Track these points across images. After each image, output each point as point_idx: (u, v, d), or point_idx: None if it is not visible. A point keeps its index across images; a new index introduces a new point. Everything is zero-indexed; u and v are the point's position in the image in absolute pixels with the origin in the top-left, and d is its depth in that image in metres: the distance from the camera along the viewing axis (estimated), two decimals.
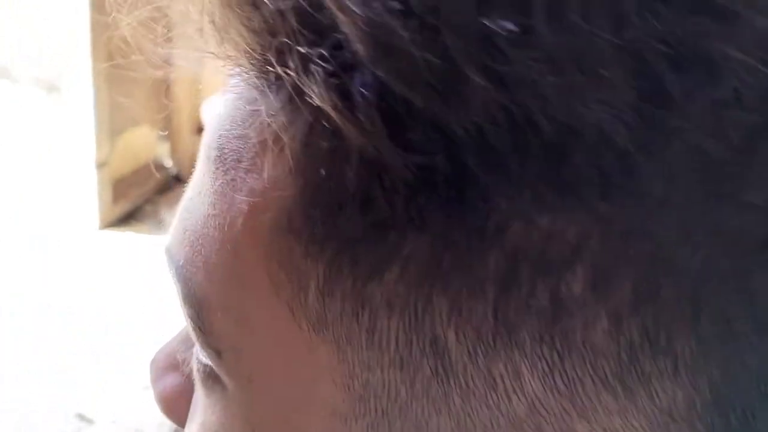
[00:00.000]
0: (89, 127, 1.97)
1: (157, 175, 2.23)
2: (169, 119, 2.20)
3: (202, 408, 0.25)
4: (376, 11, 0.17)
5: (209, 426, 0.24)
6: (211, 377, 0.24)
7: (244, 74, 0.21)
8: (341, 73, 0.18)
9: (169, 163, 2.24)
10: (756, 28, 0.17)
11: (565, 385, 0.19)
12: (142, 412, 1.55)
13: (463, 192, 0.18)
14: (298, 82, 0.18)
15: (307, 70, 0.18)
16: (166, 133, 2.24)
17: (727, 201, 0.17)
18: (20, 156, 2.29)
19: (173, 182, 2.21)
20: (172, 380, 0.29)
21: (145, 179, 2.17)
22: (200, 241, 0.22)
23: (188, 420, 0.27)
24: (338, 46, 0.18)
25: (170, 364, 0.29)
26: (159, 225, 2.09)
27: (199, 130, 2.18)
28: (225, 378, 0.23)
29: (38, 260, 1.95)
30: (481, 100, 0.17)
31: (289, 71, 0.19)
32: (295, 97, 0.19)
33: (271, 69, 0.19)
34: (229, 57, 0.20)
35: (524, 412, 0.20)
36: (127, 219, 2.11)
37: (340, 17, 0.18)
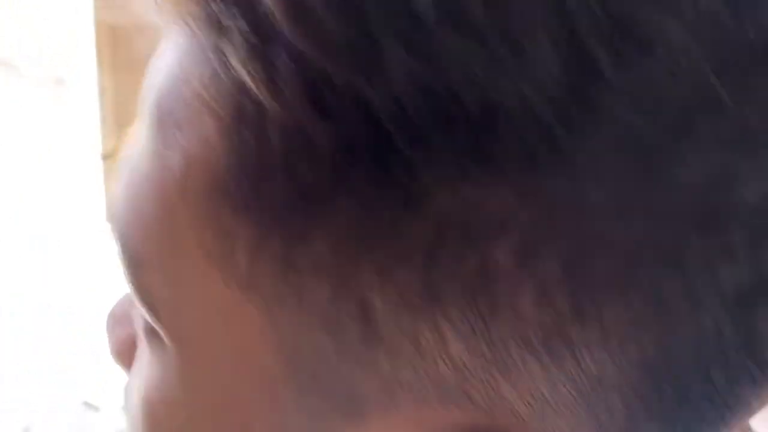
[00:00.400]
0: (95, 119, 1.98)
1: None
2: None
3: (143, 362, 0.25)
4: None
5: (149, 380, 0.25)
6: (151, 333, 0.24)
7: (181, 37, 0.21)
8: (263, 44, 0.18)
9: None
10: (691, 5, 0.17)
11: (491, 351, 0.19)
12: None
13: (386, 162, 0.18)
14: (224, 52, 0.19)
15: (231, 40, 0.18)
16: None
17: (660, 180, 0.17)
18: (26, 149, 2.30)
19: None
20: (123, 332, 0.29)
21: None
22: (137, 200, 0.22)
23: (132, 372, 0.27)
24: (261, 18, 0.18)
25: (123, 317, 0.29)
26: None
27: None
28: (163, 335, 0.23)
29: (43, 252, 1.96)
30: (401, 73, 0.17)
31: (215, 40, 0.19)
32: (222, 65, 0.19)
33: (200, 36, 0.20)
34: (167, 18, 0.21)
35: (450, 376, 0.20)
36: None
37: None
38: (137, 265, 0.23)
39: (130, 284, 0.23)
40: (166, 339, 0.23)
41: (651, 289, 0.18)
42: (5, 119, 2.42)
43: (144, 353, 0.25)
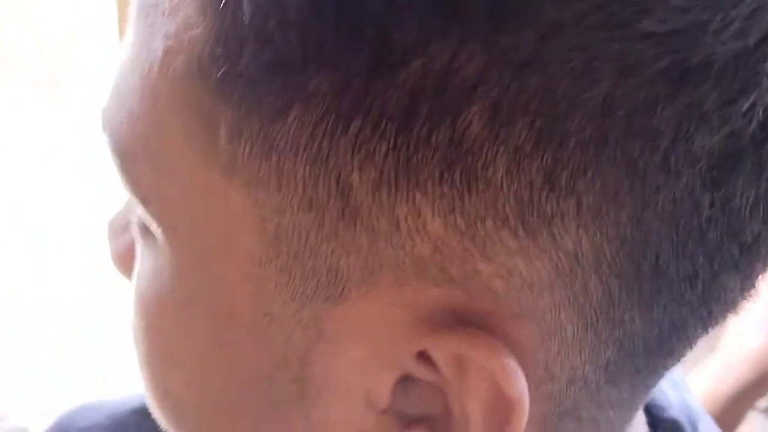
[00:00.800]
0: (93, 124, 1.98)
1: None
2: None
3: (139, 258, 0.26)
4: None
5: (144, 274, 0.25)
6: (145, 231, 0.25)
7: None
8: None
9: None
10: None
11: (467, 225, 0.19)
12: None
13: (357, 25, 0.18)
14: None
15: None
16: None
17: (625, 30, 0.17)
18: (24, 154, 2.30)
19: None
20: (122, 240, 0.30)
21: None
22: (125, 92, 0.22)
23: (132, 277, 0.28)
24: None
25: (121, 226, 0.30)
26: None
27: None
28: (152, 226, 0.24)
29: (43, 252, 1.96)
30: None
31: None
32: None
33: None
34: None
35: (428, 252, 0.20)
36: None
37: None
38: (127, 158, 0.23)
39: (122, 178, 0.24)
40: (156, 231, 0.23)
41: (624, 157, 0.18)
42: (5, 119, 2.42)
43: (138, 250, 0.26)
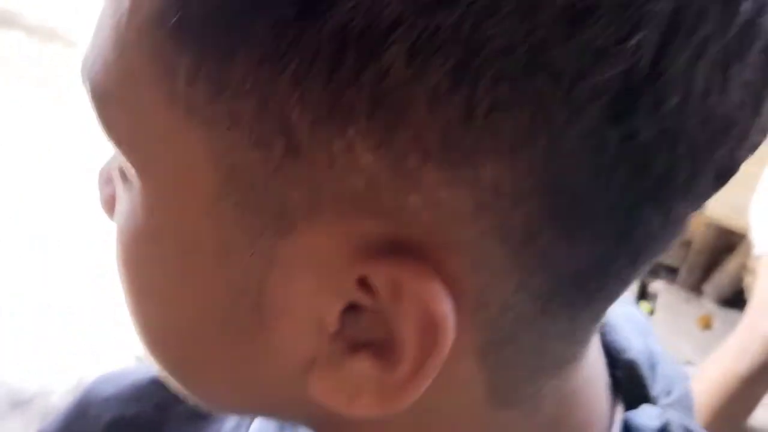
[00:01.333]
0: (91, 125, 1.98)
1: None
2: None
3: (118, 201, 0.28)
4: None
5: (122, 212, 0.27)
6: (122, 171, 0.27)
7: None
8: None
9: None
10: None
11: (395, 159, 0.20)
12: None
13: None
14: None
15: None
16: None
17: None
18: (23, 154, 2.30)
19: None
20: (108, 188, 0.32)
21: None
22: (100, 42, 0.24)
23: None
24: None
25: (108, 175, 0.32)
26: None
27: None
28: (127, 168, 0.25)
29: (41, 258, 1.95)
30: None
31: None
32: None
33: None
34: None
35: (362, 185, 0.21)
36: None
37: None
38: (102, 101, 0.25)
39: (99, 123, 0.25)
40: (130, 171, 0.25)
41: (532, 94, 0.19)
42: (6, 119, 2.42)
43: (119, 196, 0.28)
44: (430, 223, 0.21)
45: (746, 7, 0.20)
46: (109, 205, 0.31)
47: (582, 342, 0.27)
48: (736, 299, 1.97)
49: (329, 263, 0.23)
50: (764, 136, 0.23)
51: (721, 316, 2.12)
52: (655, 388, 0.34)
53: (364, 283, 0.23)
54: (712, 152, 0.22)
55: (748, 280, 1.48)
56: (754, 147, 0.23)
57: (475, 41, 0.19)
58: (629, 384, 0.34)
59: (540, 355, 0.26)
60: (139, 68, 0.23)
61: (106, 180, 0.33)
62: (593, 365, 0.31)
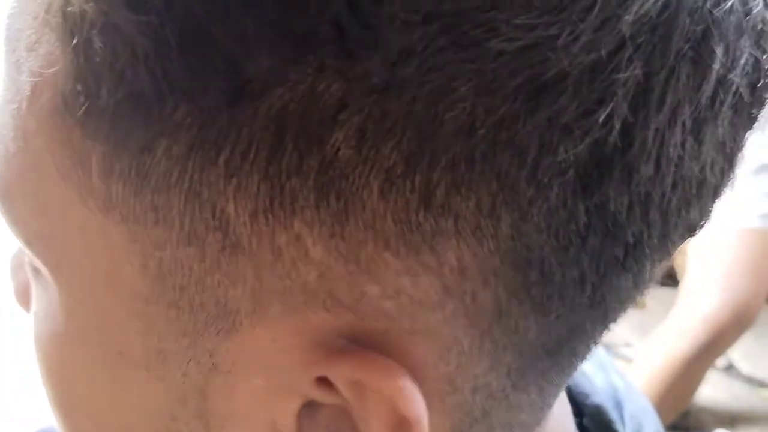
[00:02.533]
0: None
1: None
2: None
3: (34, 298, 0.26)
4: None
5: (38, 314, 0.25)
6: (35, 271, 0.25)
7: None
8: None
9: None
10: None
11: (348, 249, 0.19)
12: None
13: (208, 60, 0.18)
14: None
15: None
16: None
17: (476, 49, 0.17)
18: None
19: None
20: (22, 277, 0.29)
21: None
22: (3, 136, 0.22)
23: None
24: None
25: (18, 264, 0.30)
26: None
27: None
28: (40, 267, 0.23)
29: None
30: None
31: None
32: None
33: None
34: None
35: (313, 278, 0.19)
36: None
37: None
38: (6, 198, 0.23)
39: (5, 219, 0.23)
40: (43, 270, 0.23)
41: (494, 172, 0.18)
42: None
43: (33, 290, 0.26)
44: (392, 313, 0.20)
45: (717, 65, 0.19)
46: (24, 298, 0.29)
47: (550, 405, 0.26)
48: (666, 278, 1.95)
49: (280, 363, 0.21)
50: (732, 187, 0.22)
51: (654, 295, 2.22)
52: None
53: (323, 381, 0.21)
54: (686, 213, 0.21)
55: (678, 260, 1.50)
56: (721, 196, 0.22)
57: (429, 123, 0.18)
58: None
59: (509, 428, 0.24)
60: (45, 159, 0.21)
61: (18, 267, 0.30)
62: (559, 419, 0.29)
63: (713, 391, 1.73)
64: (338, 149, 0.18)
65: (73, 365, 0.24)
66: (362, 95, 0.18)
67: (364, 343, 0.20)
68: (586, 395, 0.33)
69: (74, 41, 0.19)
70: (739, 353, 1.81)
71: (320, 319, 0.20)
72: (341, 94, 0.18)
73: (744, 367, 1.90)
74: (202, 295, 0.21)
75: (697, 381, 1.51)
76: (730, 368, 1.89)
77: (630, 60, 0.18)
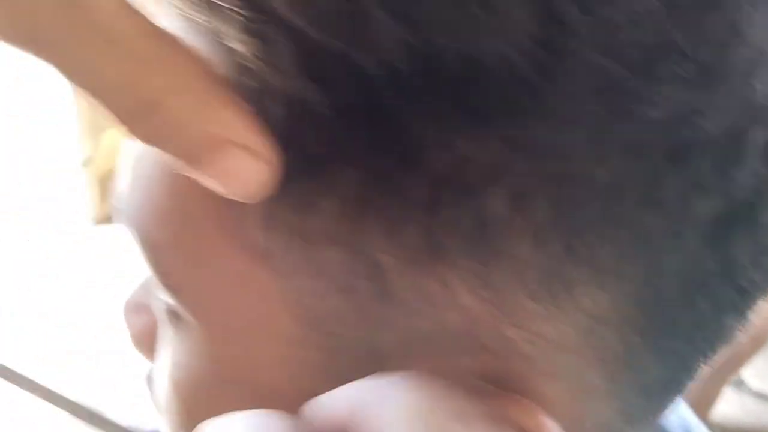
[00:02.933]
0: (72, 125, 1.97)
1: None
2: None
3: (168, 343, 0.26)
4: None
5: (176, 362, 0.25)
6: (173, 314, 0.25)
7: (173, 20, 0.21)
8: (259, 21, 0.19)
9: None
10: None
11: (495, 296, 0.20)
12: (143, 402, 1.59)
13: (383, 125, 0.19)
14: (220, 32, 0.20)
15: (226, 20, 0.19)
16: None
17: (629, 117, 0.18)
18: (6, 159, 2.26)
19: None
20: (140, 321, 0.30)
21: None
22: (149, 187, 0.23)
23: (156, 358, 0.28)
24: None
25: (139, 305, 0.30)
26: None
27: None
28: (185, 315, 0.24)
29: (35, 261, 1.94)
30: (388, 38, 0.18)
31: (209, 21, 0.20)
32: (219, 45, 0.20)
33: (194, 17, 0.20)
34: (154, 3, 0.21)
35: (459, 324, 0.20)
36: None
37: None
38: (156, 250, 0.23)
39: (151, 269, 0.24)
40: (189, 318, 0.24)
41: (634, 226, 0.19)
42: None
43: (167, 337, 0.26)
44: (531, 356, 0.21)
45: None
46: (146, 341, 0.29)
47: None
48: None
49: None
50: None
51: None
52: None
53: None
54: None
55: None
56: None
57: (583, 180, 0.19)
58: None
59: None
60: (203, 213, 0.22)
61: (136, 310, 0.30)
62: None
63: (724, 406, 1.74)
64: (493, 209, 0.19)
65: (217, 407, 0.23)
66: (525, 159, 0.19)
67: (502, 385, 0.21)
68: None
69: (272, 113, 0.19)
70: (749, 370, 1.82)
71: (463, 363, 0.21)
72: (501, 158, 0.19)
73: (754, 383, 1.92)
74: (352, 342, 0.21)
75: (714, 398, 1.53)
76: (740, 384, 1.91)
77: (764, 123, 0.19)
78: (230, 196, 0.19)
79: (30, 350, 1.72)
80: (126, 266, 1.92)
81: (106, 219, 2.09)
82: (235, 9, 0.19)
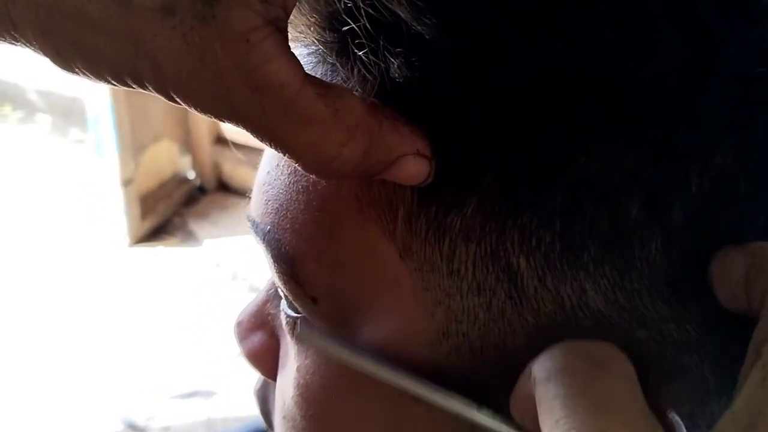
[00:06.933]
0: (111, 146, 1.99)
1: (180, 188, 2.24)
2: (188, 131, 2.21)
3: (293, 355, 0.27)
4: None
5: (304, 369, 0.26)
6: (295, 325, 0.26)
7: (316, 53, 0.24)
8: (414, 54, 0.21)
9: (191, 174, 2.26)
10: None
11: (626, 299, 0.21)
12: (182, 419, 1.57)
13: (521, 136, 0.20)
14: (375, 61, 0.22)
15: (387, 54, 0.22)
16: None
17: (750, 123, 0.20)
18: (45, 180, 2.31)
19: (197, 193, 2.22)
20: (258, 338, 0.31)
21: (171, 193, 2.19)
22: (285, 206, 0.25)
23: (280, 369, 0.29)
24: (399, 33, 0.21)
25: (255, 324, 0.32)
26: (189, 236, 2.10)
27: (218, 139, 2.19)
28: (319, 323, 0.25)
29: (74, 281, 1.95)
30: (553, 60, 0.20)
31: (365, 56, 0.22)
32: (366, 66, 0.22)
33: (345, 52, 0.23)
34: (301, 37, 0.24)
35: (589, 325, 0.21)
36: (157, 234, 2.12)
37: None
38: (295, 263, 0.25)
39: (288, 282, 0.25)
40: (321, 326, 0.25)
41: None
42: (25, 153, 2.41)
43: (290, 351, 0.27)
44: (655, 355, 0.22)
45: None
46: (263, 359, 0.30)
47: None
48: None
49: None
50: None
51: None
52: None
53: None
54: None
55: None
56: None
57: (720, 183, 0.20)
58: None
59: None
60: (343, 222, 0.23)
61: (251, 329, 0.32)
62: None
63: None
64: (628, 213, 0.20)
65: (348, 409, 0.26)
66: (664, 164, 0.20)
67: None
68: None
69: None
70: None
71: None
72: (641, 163, 0.20)
73: None
74: (483, 340, 0.22)
75: None
76: None
77: None
78: (403, 183, 0.22)
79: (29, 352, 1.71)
80: (161, 286, 1.92)
81: (144, 239, 2.09)
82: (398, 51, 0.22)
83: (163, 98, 0.21)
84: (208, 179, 2.21)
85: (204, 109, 0.20)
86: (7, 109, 2.66)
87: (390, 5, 0.21)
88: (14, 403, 1.60)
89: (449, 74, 0.21)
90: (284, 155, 0.21)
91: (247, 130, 0.21)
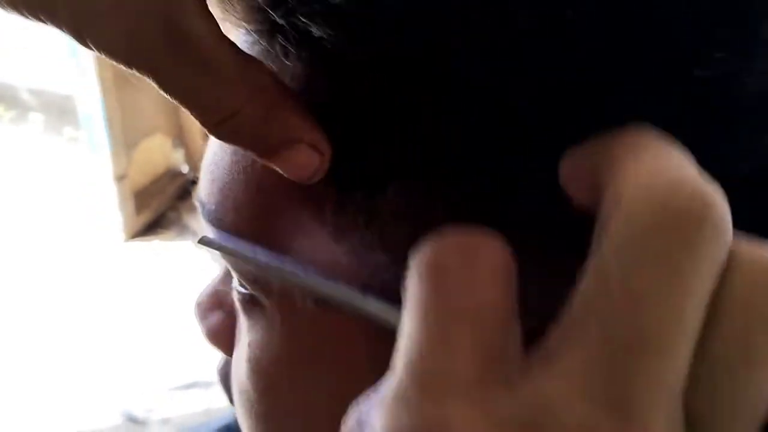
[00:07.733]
0: (103, 142, 1.99)
1: (172, 182, 2.24)
2: (180, 125, 2.22)
3: (245, 331, 0.28)
4: None
5: (254, 343, 0.27)
6: (250, 302, 0.27)
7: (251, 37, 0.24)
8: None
9: (185, 168, 2.26)
10: None
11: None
12: (182, 410, 1.59)
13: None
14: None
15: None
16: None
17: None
18: (39, 178, 2.31)
19: (192, 187, 2.22)
20: (216, 317, 0.32)
21: (165, 187, 2.20)
22: (227, 186, 0.25)
23: (235, 346, 0.30)
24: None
25: (213, 304, 0.32)
26: (184, 229, 2.11)
27: None
28: (264, 299, 0.26)
29: (72, 278, 1.96)
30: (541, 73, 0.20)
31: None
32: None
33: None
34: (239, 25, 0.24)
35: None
36: (152, 228, 2.13)
37: None
38: (237, 240, 0.25)
39: (230, 262, 0.26)
40: (266, 302, 0.26)
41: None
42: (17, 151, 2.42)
43: (243, 324, 0.28)
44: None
45: None
46: (221, 337, 0.31)
47: None
48: None
49: None
50: None
51: None
52: None
53: None
54: None
55: None
56: None
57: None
58: None
59: None
60: (279, 204, 0.24)
61: (209, 309, 0.32)
62: None
63: None
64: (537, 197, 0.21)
65: (295, 382, 0.26)
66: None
67: None
68: None
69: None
70: None
71: None
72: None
73: None
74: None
75: None
76: None
77: None
78: (293, 179, 0.23)
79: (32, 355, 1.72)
80: (158, 280, 1.93)
81: (139, 234, 2.09)
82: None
83: (72, 37, 0.21)
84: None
85: (110, 50, 0.21)
86: (0, 108, 2.66)
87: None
88: (13, 397, 1.62)
89: (357, 80, 0.21)
90: (184, 106, 0.22)
91: (147, 77, 0.21)
